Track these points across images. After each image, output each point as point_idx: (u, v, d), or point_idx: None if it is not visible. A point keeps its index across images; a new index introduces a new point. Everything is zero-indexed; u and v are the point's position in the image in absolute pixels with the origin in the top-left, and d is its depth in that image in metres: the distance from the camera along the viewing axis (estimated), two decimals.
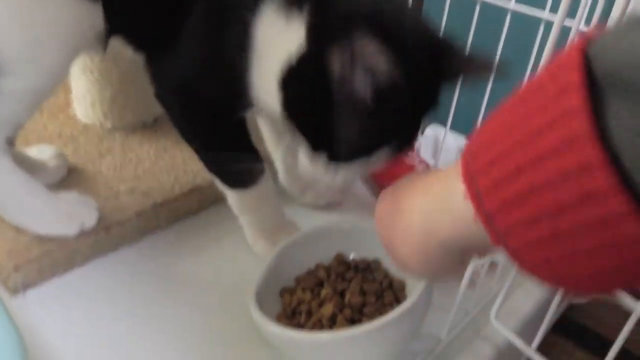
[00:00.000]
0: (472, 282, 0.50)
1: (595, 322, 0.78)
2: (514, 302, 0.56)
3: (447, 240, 0.34)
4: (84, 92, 0.76)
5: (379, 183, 0.73)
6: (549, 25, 0.63)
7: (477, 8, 0.70)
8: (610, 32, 0.24)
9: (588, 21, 0.52)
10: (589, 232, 0.23)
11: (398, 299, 0.52)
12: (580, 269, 0.25)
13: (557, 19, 0.41)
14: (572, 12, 0.42)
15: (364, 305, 0.51)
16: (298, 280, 0.55)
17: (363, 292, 0.52)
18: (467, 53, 0.48)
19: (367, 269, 0.56)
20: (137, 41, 0.58)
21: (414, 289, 0.47)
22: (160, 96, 0.58)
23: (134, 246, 0.63)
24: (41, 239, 0.57)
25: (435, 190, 0.35)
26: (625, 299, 0.41)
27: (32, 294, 0.55)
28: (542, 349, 0.47)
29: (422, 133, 0.84)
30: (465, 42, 0.71)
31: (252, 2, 0.49)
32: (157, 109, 0.58)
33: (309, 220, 0.64)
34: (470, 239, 0.31)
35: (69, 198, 0.60)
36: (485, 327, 0.53)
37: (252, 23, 0.49)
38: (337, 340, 0.45)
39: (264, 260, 0.54)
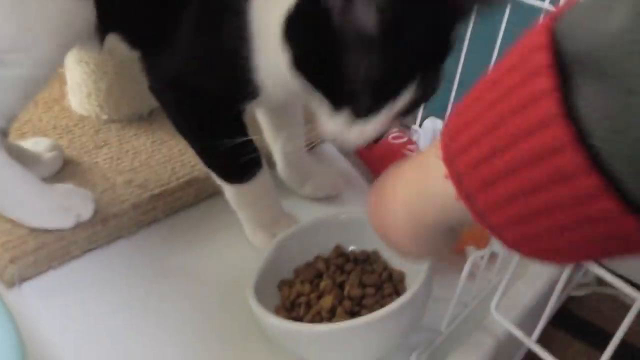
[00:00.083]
0: (471, 275, 0.50)
1: (594, 315, 0.78)
2: (514, 294, 0.56)
3: (434, 222, 0.34)
4: (79, 83, 0.75)
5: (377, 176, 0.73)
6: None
7: None
8: (577, 11, 0.24)
9: None
10: (563, 209, 0.24)
11: (397, 290, 0.52)
12: (557, 244, 0.26)
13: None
14: None
15: (363, 297, 0.51)
16: (297, 273, 0.55)
17: (362, 284, 0.52)
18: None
19: (366, 260, 0.56)
20: (132, 39, 0.58)
21: (414, 281, 0.46)
22: (155, 90, 0.57)
23: (130, 238, 0.63)
24: (37, 232, 0.56)
25: (415, 176, 0.35)
26: (626, 290, 0.41)
27: (28, 286, 0.55)
28: (541, 341, 0.47)
29: (421, 126, 0.83)
30: (465, 31, 0.71)
31: None
32: (153, 101, 0.58)
33: (307, 212, 0.64)
34: (456, 217, 0.32)
35: (65, 190, 0.60)
36: (486, 319, 0.52)
37: (247, 5, 0.49)
38: (336, 332, 0.45)
39: (262, 252, 0.54)
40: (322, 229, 0.58)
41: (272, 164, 0.71)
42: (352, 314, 0.49)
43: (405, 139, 0.74)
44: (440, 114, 0.80)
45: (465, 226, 0.40)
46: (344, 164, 0.79)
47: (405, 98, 0.47)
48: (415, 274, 0.48)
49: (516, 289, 0.57)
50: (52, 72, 0.56)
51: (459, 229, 0.40)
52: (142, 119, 0.77)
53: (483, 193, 0.27)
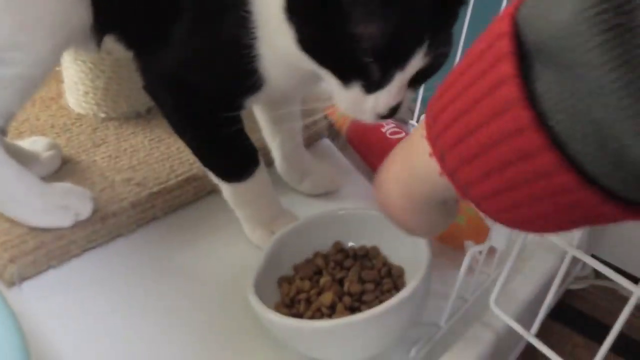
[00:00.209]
0: (470, 269, 0.50)
1: (593, 308, 0.79)
2: (513, 288, 0.56)
3: (424, 197, 0.37)
4: (75, 82, 0.75)
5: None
6: None
7: None
8: (534, 0, 0.26)
9: None
10: (529, 184, 0.27)
11: (397, 286, 0.52)
12: (528, 214, 0.29)
13: None
14: None
15: (363, 292, 0.51)
16: (296, 269, 0.55)
17: (362, 280, 0.52)
18: None
19: (365, 256, 0.56)
20: (128, 39, 0.58)
21: (413, 276, 0.47)
22: (150, 89, 0.57)
23: (129, 237, 0.63)
24: (36, 231, 0.56)
25: (405, 154, 0.38)
26: (623, 283, 0.41)
27: (28, 285, 0.55)
28: (540, 334, 0.47)
29: (418, 120, 0.83)
30: (462, 26, 0.71)
31: None
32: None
33: (306, 209, 0.64)
34: (442, 192, 0.34)
35: (63, 189, 0.60)
36: (485, 313, 0.52)
37: None
38: (337, 328, 0.45)
39: (261, 250, 0.54)
40: (321, 225, 0.58)
41: (270, 161, 0.71)
42: (352, 310, 0.50)
43: (402, 134, 0.74)
44: None
45: (456, 199, 0.41)
46: (342, 160, 0.79)
47: (414, 65, 0.46)
48: (414, 269, 0.48)
49: (515, 283, 0.57)
50: (48, 72, 0.56)
51: (452, 202, 0.41)
52: (139, 117, 0.77)
53: (462, 170, 0.30)
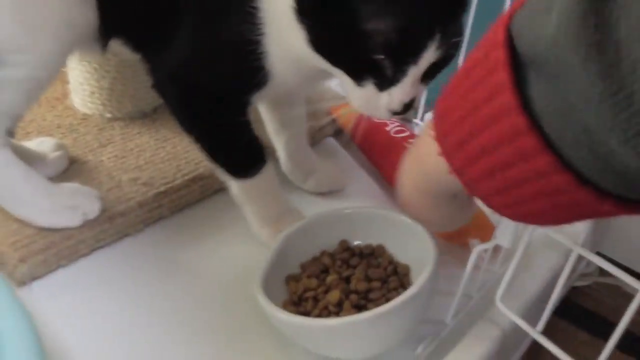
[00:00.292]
0: (476, 267, 0.51)
1: (597, 305, 0.79)
2: (518, 285, 0.57)
3: (434, 191, 0.39)
4: (81, 82, 0.75)
5: (384, 172, 0.74)
6: None
7: None
8: (524, 13, 0.28)
9: None
10: (528, 182, 0.29)
11: (403, 284, 0.53)
12: (532, 210, 0.31)
13: None
14: None
15: (369, 290, 0.51)
16: (303, 267, 0.56)
17: (368, 278, 0.52)
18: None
19: (371, 254, 0.56)
20: (135, 41, 0.58)
21: (419, 274, 0.47)
22: (159, 88, 0.57)
23: (137, 236, 0.63)
24: (45, 231, 0.57)
25: (415, 152, 0.40)
26: (627, 280, 0.41)
27: (38, 285, 0.56)
28: (545, 331, 0.47)
29: (422, 119, 0.84)
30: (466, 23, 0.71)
31: None
32: (156, 98, 0.58)
33: (312, 207, 0.65)
34: (450, 187, 0.36)
35: (71, 189, 0.60)
36: (490, 311, 0.53)
37: None
38: (344, 326, 0.45)
39: (268, 248, 0.55)
40: (327, 223, 0.58)
41: (274, 159, 0.71)
42: (359, 308, 0.50)
43: (407, 133, 0.74)
44: None
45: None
46: (347, 158, 0.79)
47: (427, 59, 0.46)
48: (420, 267, 0.49)
49: (520, 280, 0.57)
50: (55, 74, 0.57)
51: (463, 196, 0.42)
52: (145, 117, 0.78)
53: (468, 169, 0.32)
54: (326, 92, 0.77)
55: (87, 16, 0.55)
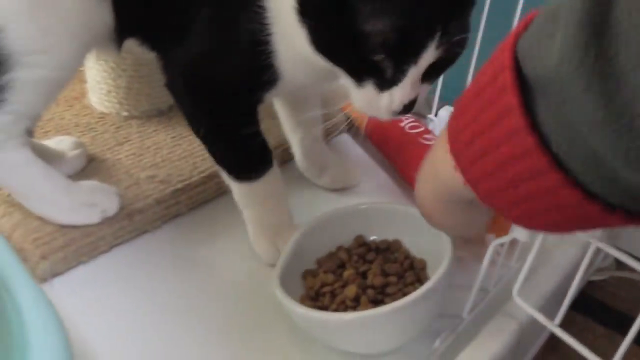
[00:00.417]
0: (492, 262, 0.50)
1: (613, 298, 0.79)
2: (536, 279, 0.57)
3: (450, 199, 0.40)
4: (98, 81, 0.76)
5: (399, 168, 0.74)
6: None
7: None
8: (528, 37, 0.29)
9: None
10: (539, 198, 0.30)
11: (420, 278, 0.53)
12: (543, 221, 0.33)
13: None
14: None
15: (386, 285, 0.51)
16: (319, 263, 0.56)
17: (385, 273, 0.53)
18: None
19: (387, 249, 0.56)
20: (150, 41, 0.59)
21: (436, 269, 0.47)
22: (171, 86, 0.58)
23: (155, 233, 0.64)
24: (66, 228, 0.58)
25: (432, 163, 0.41)
26: None
27: (59, 281, 0.56)
28: (563, 325, 0.47)
29: (436, 115, 0.84)
30: (479, 20, 0.71)
31: None
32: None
33: (327, 203, 0.65)
34: (465, 196, 0.37)
35: (90, 187, 0.61)
36: (507, 304, 0.53)
37: None
38: (362, 320, 0.46)
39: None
40: (343, 219, 0.58)
41: (290, 156, 0.71)
42: (376, 302, 0.50)
43: (421, 129, 0.74)
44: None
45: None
46: (362, 154, 0.80)
47: (427, 58, 0.45)
48: (436, 262, 0.49)
49: (538, 274, 0.57)
50: (72, 74, 0.58)
51: (478, 202, 0.42)
52: (162, 115, 0.78)
53: (482, 183, 0.34)
54: (340, 88, 0.77)
55: (103, 17, 0.56)
